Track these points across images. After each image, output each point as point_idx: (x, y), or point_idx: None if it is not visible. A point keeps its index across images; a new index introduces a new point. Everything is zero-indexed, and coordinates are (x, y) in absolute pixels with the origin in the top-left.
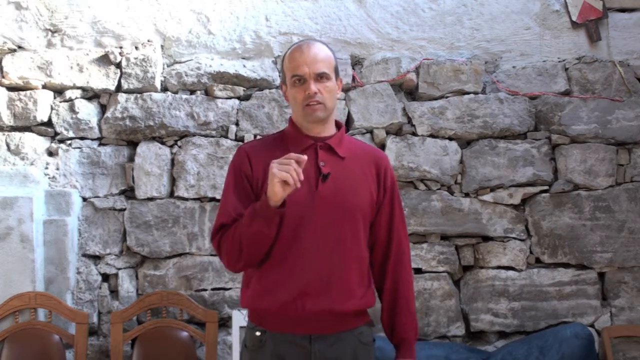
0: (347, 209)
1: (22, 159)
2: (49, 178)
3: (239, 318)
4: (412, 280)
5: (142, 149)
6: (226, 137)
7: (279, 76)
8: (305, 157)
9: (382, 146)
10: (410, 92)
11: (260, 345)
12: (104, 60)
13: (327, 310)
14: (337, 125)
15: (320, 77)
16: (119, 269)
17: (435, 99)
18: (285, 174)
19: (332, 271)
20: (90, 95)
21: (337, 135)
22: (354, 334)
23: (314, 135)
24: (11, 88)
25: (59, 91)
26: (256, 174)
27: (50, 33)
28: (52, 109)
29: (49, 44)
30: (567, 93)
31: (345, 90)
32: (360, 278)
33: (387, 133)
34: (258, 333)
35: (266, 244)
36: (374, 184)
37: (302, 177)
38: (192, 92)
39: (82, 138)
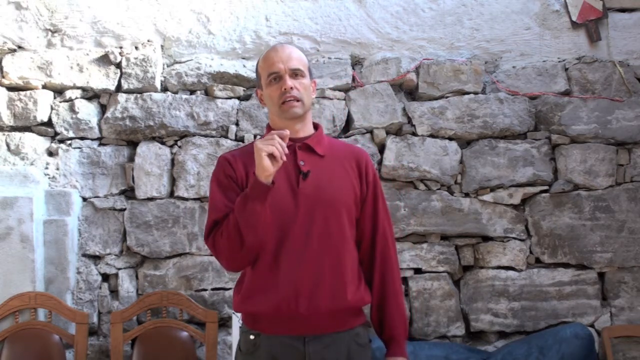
0: (331, 204)
1: (22, 159)
2: (49, 178)
3: (239, 318)
4: (399, 275)
5: (142, 149)
6: (226, 137)
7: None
8: (287, 131)
9: (382, 146)
10: (410, 92)
11: (255, 349)
12: (104, 60)
13: (321, 308)
14: (315, 127)
15: (296, 74)
16: (119, 269)
17: (435, 99)
18: (271, 147)
19: (323, 268)
20: (90, 95)
21: (315, 135)
22: (349, 334)
23: (291, 136)
24: (11, 88)
25: (59, 91)
26: (239, 174)
27: (50, 33)
28: (52, 109)
29: (49, 44)
30: (567, 93)
31: (346, 90)
32: (351, 274)
33: (387, 133)
34: (252, 337)
35: (261, 226)
36: (357, 180)
37: (287, 151)
38: (192, 92)
39: (82, 138)
